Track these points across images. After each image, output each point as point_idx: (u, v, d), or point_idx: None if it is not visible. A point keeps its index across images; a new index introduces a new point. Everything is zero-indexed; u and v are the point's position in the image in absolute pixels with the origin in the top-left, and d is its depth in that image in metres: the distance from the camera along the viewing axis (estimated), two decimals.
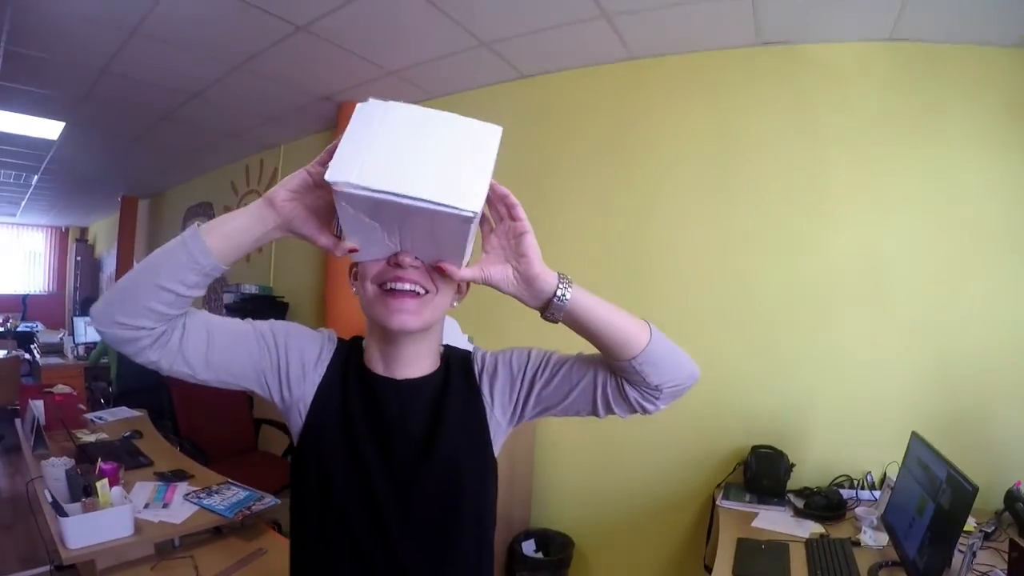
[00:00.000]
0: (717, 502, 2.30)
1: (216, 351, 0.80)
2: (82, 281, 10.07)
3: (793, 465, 2.30)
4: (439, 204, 0.61)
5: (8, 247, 11.03)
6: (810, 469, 2.36)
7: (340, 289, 3.57)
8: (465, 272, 0.75)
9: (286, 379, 0.86)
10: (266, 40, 2.76)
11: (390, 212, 0.65)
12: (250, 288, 4.58)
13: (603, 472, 2.85)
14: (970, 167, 2.24)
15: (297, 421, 0.88)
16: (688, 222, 2.70)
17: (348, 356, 0.91)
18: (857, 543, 1.85)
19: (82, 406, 2.98)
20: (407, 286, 0.78)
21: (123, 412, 3.14)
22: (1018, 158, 2.20)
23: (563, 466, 2.97)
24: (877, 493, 2.21)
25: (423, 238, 0.72)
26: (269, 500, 2.00)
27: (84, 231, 11.36)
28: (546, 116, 3.09)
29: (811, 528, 1.99)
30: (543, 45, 2.73)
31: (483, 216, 0.73)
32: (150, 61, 3.05)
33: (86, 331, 5.90)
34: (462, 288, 0.89)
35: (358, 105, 0.69)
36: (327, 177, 0.62)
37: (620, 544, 2.80)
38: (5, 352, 5.85)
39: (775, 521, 2.07)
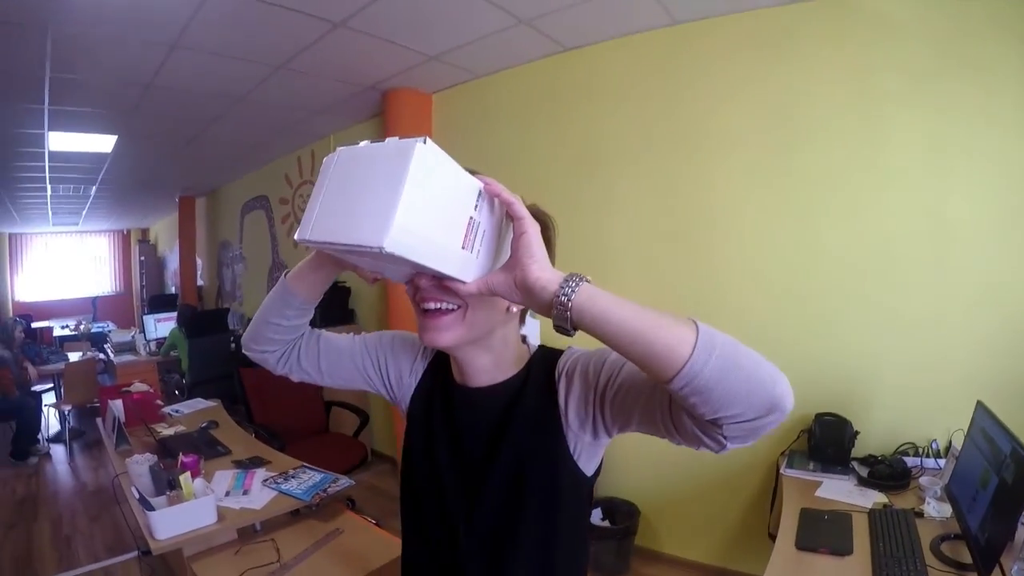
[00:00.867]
0: (781, 470, 2.30)
1: (327, 362, 0.98)
2: (147, 280, 10.59)
3: (857, 433, 2.26)
4: (355, 245, 0.60)
5: (73, 253, 11.56)
6: (875, 436, 2.32)
7: None
8: (470, 287, 0.69)
9: (389, 382, 1.01)
10: (304, 40, 2.81)
11: (359, 254, 0.67)
12: None
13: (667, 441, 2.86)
14: None
15: (403, 420, 1.00)
16: (747, 192, 2.65)
17: (440, 367, 0.96)
18: (920, 514, 1.82)
19: (159, 401, 3.14)
20: (432, 305, 0.78)
21: (199, 403, 3.29)
22: None
23: (628, 435, 2.99)
24: (942, 462, 2.16)
25: (408, 267, 0.72)
26: (343, 481, 2.08)
27: (145, 232, 11.89)
28: (592, 89, 3.06)
29: (875, 498, 1.97)
30: (582, 17, 2.69)
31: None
32: (192, 72, 3.15)
33: (156, 327, 6.17)
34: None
35: (324, 159, 0.71)
36: (295, 236, 0.69)
37: (685, 512, 2.84)
38: (81, 354, 6.27)
39: (839, 490, 2.05)
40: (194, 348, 5.33)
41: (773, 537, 2.46)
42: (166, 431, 2.74)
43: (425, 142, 0.60)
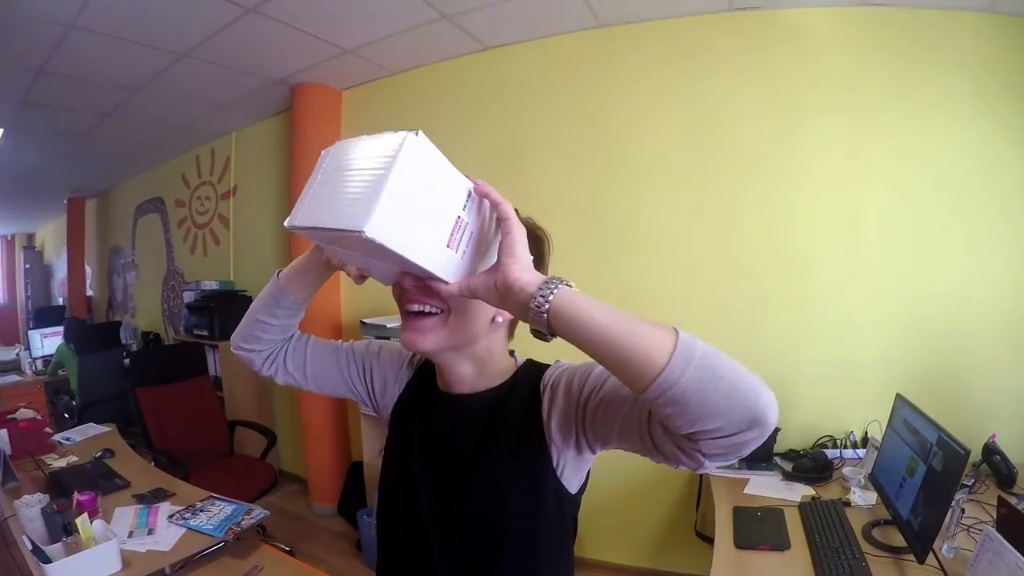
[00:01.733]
0: None
1: (313, 366, 0.97)
2: (33, 290, 9.60)
3: (779, 429, 2.33)
4: (337, 229, 0.60)
5: None
6: (794, 432, 2.41)
7: None
8: (452, 288, 0.68)
9: (373, 391, 0.98)
10: (214, 25, 2.60)
11: (343, 244, 0.67)
12: (210, 284, 4.43)
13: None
14: (942, 133, 2.28)
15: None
16: (665, 192, 2.68)
17: (427, 375, 0.93)
18: (848, 503, 1.90)
19: (48, 429, 2.82)
20: (415, 307, 0.77)
21: (91, 429, 2.98)
22: (987, 123, 2.24)
23: None
24: (861, 452, 2.27)
25: (392, 263, 0.70)
26: (257, 512, 1.91)
27: (31, 237, 10.77)
28: (513, 90, 3.01)
29: (802, 491, 2.04)
30: (507, 15, 2.63)
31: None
32: (88, 57, 2.86)
33: (42, 343, 5.65)
34: None
35: (321, 151, 0.71)
36: (284, 223, 0.68)
37: (608, 516, 2.83)
38: None
39: (766, 486, 2.11)
40: (84, 366, 4.83)
41: (700, 535, 2.54)
42: (57, 463, 2.46)
43: (417, 134, 0.61)
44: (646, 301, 2.67)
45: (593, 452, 0.79)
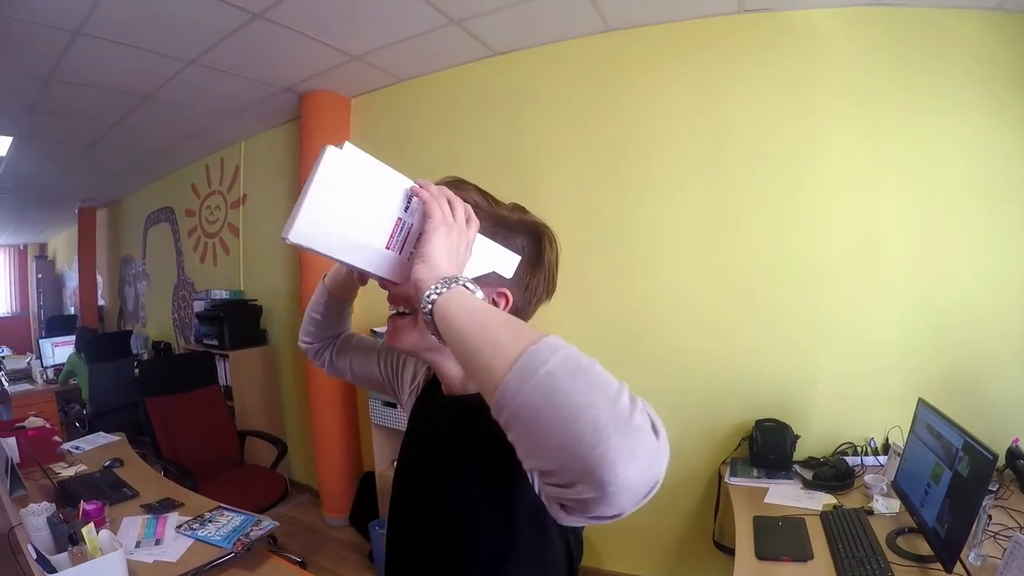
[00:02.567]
0: (725, 479, 2.29)
1: (356, 362, 1.06)
2: (45, 299, 9.68)
3: (798, 437, 2.28)
4: (285, 238, 0.64)
5: None
6: (814, 439, 2.35)
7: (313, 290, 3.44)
8: (399, 288, 0.71)
9: (402, 387, 1.01)
10: (220, 31, 2.59)
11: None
12: (220, 293, 4.43)
13: None
14: (955, 132, 2.23)
15: None
16: (679, 199, 2.64)
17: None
18: (870, 511, 1.85)
19: (57, 438, 2.81)
20: (391, 308, 0.80)
21: (100, 438, 2.96)
22: (997, 120, 2.19)
23: None
24: (882, 459, 2.21)
25: (344, 266, 0.77)
26: (267, 523, 1.88)
27: (43, 247, 10.85)
28: (521, 95, 2.98)
29: (823, 500, 1.98)
30: (516, 19, 2.61)
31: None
32: (96, 64, 2.86)
33: (53, 352, 5.69)
34: (499, 303, 0.76)
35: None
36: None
37: (626, 527, 2.74)
38: None
39: (786, 495, 2.05)
40: (95, 375, 4.85)
41: (719, 545, 2.49)
42: (66, 471, 2.45)
43: (342, 146, 0.65)
44: (661, 311, 2.60)
45: None
